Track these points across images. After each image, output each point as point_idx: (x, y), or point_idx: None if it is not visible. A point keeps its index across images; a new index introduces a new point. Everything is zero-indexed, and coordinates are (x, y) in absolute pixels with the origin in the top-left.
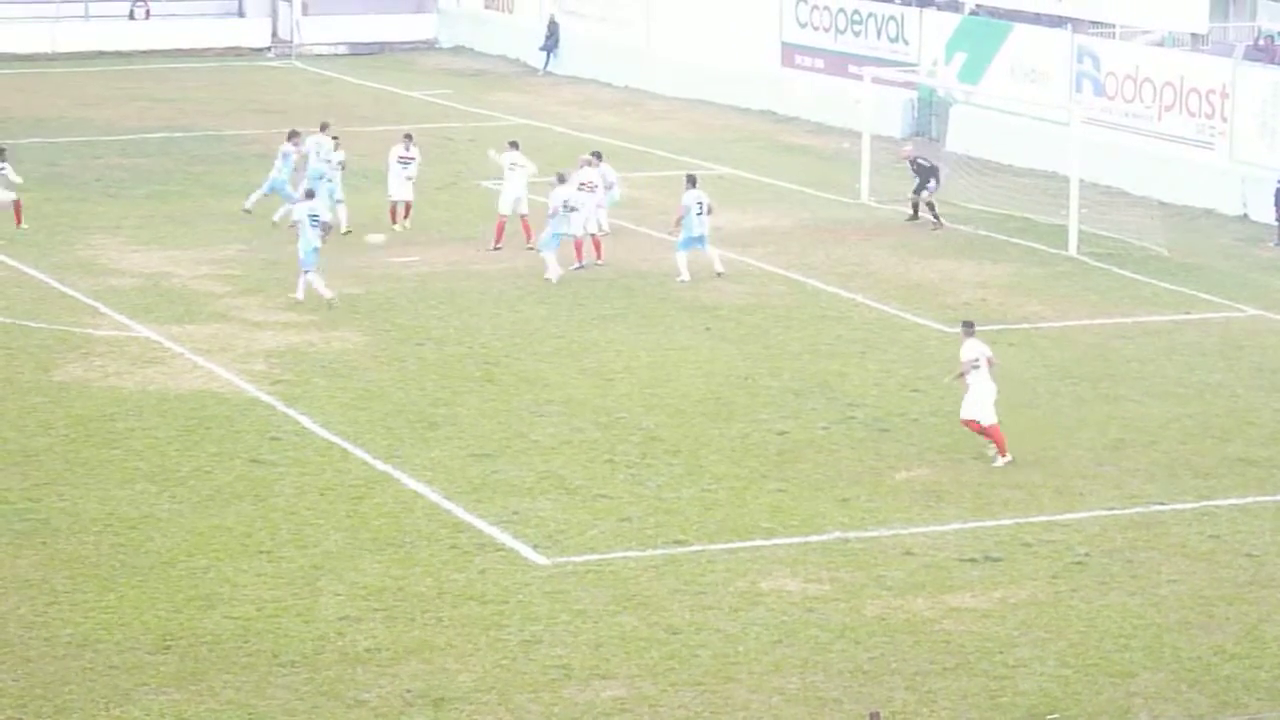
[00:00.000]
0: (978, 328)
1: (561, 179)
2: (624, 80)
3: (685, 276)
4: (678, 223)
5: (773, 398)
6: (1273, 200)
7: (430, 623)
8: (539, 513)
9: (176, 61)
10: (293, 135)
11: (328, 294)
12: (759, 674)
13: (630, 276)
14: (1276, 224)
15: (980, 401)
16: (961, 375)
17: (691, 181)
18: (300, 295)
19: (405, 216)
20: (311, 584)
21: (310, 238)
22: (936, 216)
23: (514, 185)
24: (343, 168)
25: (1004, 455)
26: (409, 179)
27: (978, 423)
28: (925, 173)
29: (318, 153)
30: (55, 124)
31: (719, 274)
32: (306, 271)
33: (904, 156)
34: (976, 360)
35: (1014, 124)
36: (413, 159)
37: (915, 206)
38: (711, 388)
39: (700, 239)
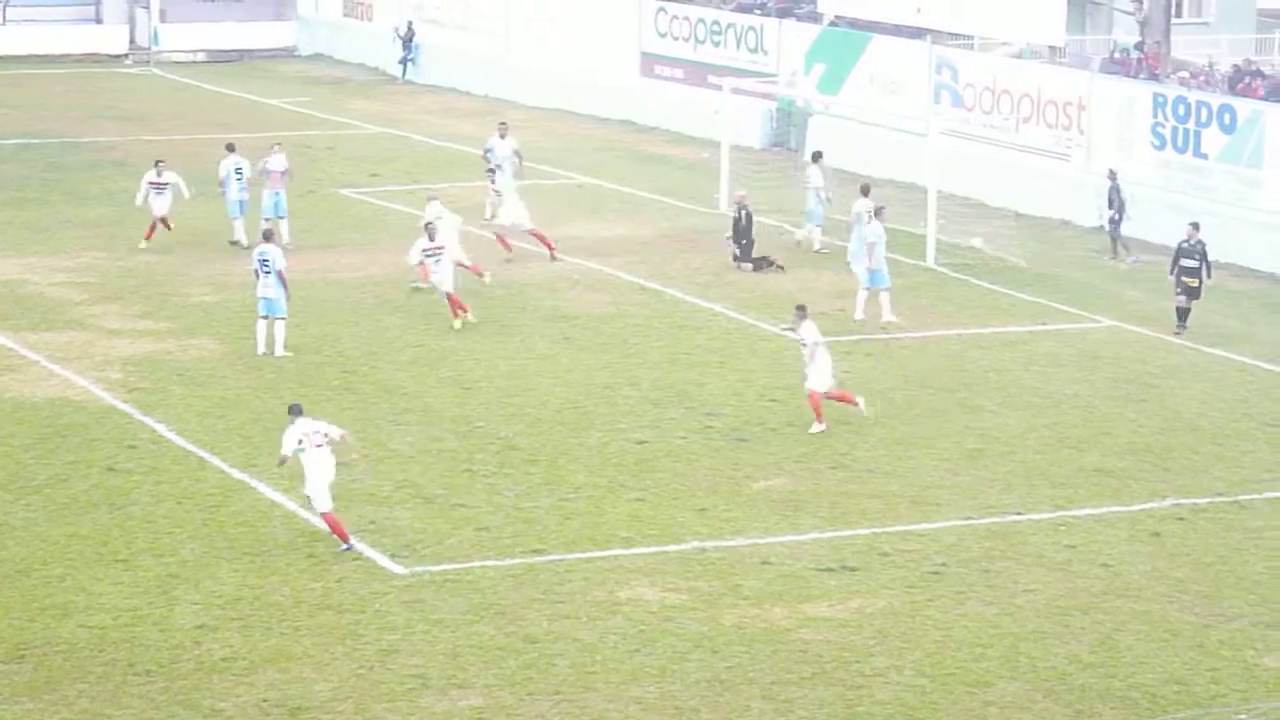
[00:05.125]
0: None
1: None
2: (484, 89)
3: (890, 318)
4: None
5: (631, 407)
6: (1106, 211)
7: (287, 632)
8: (396, 522)
9: (33, 67)
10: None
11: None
12: (616, 683)
13: (489, 285)
14: (1109, 234)
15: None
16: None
17: (877, 210)
18: None
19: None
20: (167, 593)
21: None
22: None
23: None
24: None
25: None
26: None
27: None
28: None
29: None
30: None
31: (883, 323)
32: None
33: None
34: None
35: (873, 134)
36: (166, 185)
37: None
38: (570, 397)
39: (877, 274)
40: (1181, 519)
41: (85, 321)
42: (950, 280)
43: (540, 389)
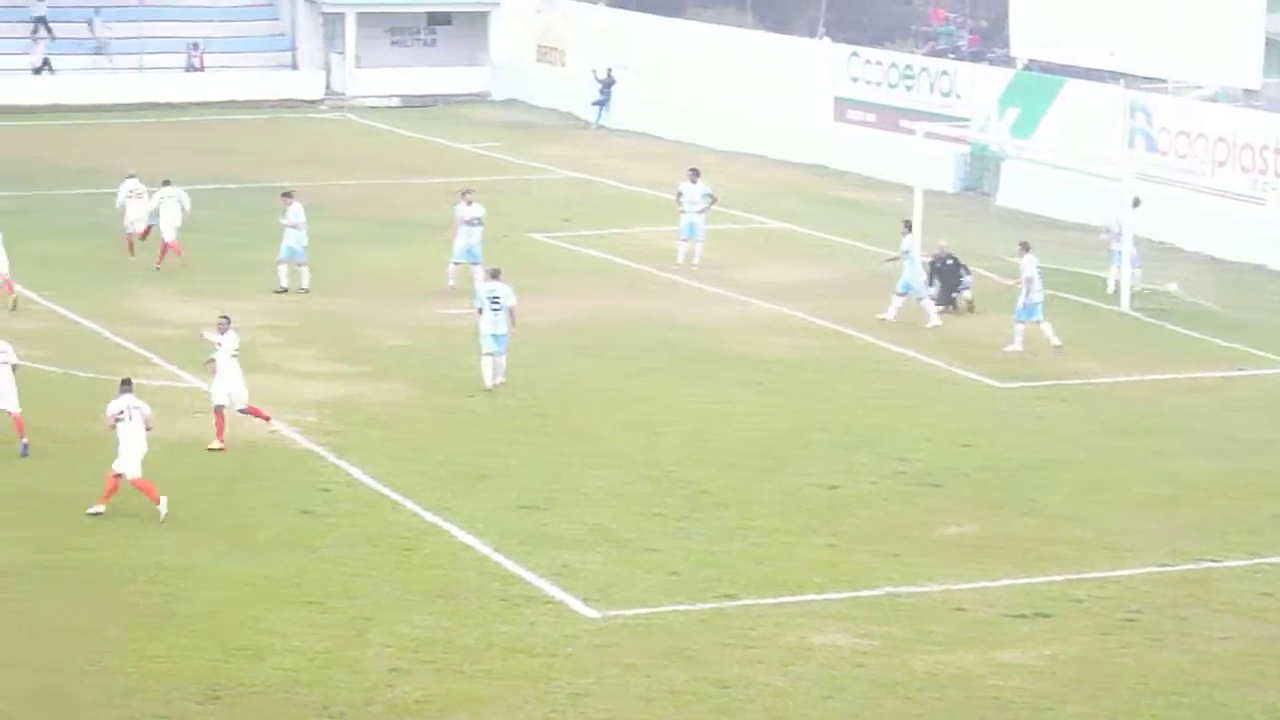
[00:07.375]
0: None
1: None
2: (675, 134)
3: (1017, 347)
4: (1025, 291)
5: (822, 452)
6: None
7: (478, 675)
8: (588, 565)
9: (229, 113)
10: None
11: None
12: None
13: (676, 329)
14: None
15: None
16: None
17: (1025, 247)
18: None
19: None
20: (360, 635)
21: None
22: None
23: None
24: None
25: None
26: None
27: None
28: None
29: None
30: (101, 174)
31: (1056, 347)
32: None
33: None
34: (123, 413)
35: (1066, 179)
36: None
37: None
38: (760, 441)
39: (1037, 306)
40: None
41: (280, 365)
42: (1144, 325)
43: (730, 433)
